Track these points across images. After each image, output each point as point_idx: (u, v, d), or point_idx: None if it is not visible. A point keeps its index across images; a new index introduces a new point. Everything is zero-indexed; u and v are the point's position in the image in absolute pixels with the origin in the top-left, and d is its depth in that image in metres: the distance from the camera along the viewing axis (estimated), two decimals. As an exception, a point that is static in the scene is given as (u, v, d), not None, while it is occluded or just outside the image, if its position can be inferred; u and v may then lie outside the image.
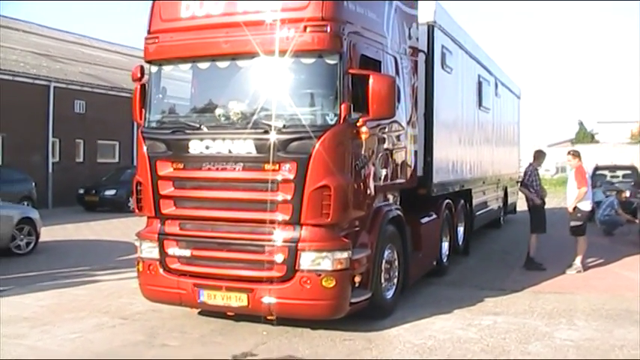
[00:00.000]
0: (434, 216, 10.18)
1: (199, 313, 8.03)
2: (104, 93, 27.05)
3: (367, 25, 7.51)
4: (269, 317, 7.21)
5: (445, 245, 11.10)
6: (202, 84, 7.77)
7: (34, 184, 20.47)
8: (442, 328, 7.51)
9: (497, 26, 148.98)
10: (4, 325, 7.60)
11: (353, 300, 7.03)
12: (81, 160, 26.73)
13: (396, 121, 8.13)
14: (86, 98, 26.31)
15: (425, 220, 9.72)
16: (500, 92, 16.32)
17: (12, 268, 11.42)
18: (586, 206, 11.05)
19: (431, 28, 9.83)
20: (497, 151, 16.05)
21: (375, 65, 7.59)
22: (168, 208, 7.41)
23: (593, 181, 19.45)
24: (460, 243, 12.38)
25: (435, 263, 10.29)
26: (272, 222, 6.90)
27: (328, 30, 6.69)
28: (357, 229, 7.34)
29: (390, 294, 8.06)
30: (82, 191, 23.72)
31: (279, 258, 6.84)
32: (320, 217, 6.73)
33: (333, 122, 6.79)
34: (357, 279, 7.04)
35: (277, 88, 7.14)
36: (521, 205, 16.07)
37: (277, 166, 6.81)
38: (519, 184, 12.03)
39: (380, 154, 7.71)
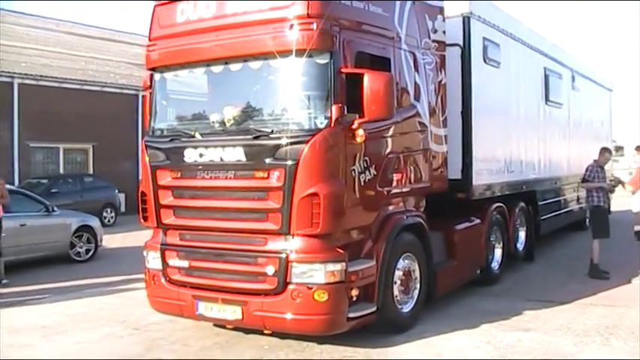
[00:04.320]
0: (476, 221, 9.46)
1: (215, 324, 7.83)
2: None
3: (369, 20, 7.02)
4: (265, 332, 6.93)
5: (497, 252, 10.34)
6: (202, 89, 7.61)
7: (117, 191, 21.21)
8: (456, 346, 6.92)
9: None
10: (17, 334, 7.75)
11: (351, 315, 6.56)
12: (171, 167, 27.35)
13: (411, 121, 7.61)
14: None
15: (461, 226, 9.05)
16: (580, 85, 15.09)
17: (66, 274, 11.77)
18: (653, 209, 9.95)
19: (466, 20, 9.13)
20: (577, 148, 14.84)
21: (382, 63, 7.10)
22: (168, 218, 7.26)
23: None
24: (521, 249, 11.54)
25: (479, 272, 9.57)
26: (262, 232, 6.60)
27: (315, 27, 6.28)
28: (362, 238, 6.89)
29: (407, 307, 7.52)
30: (169, 198, 24.29)
31: (270, 270, 6.50)
32: (310, 227, 6.31)
33: (323, 125, 6.37)
34: (355, 292, 6.55)
35: (267, 91, 6.91)
36: (618, 205, 14.89)
37: (266, 173, 6.49)
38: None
39: (389, 158, 7.18)
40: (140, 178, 8.03)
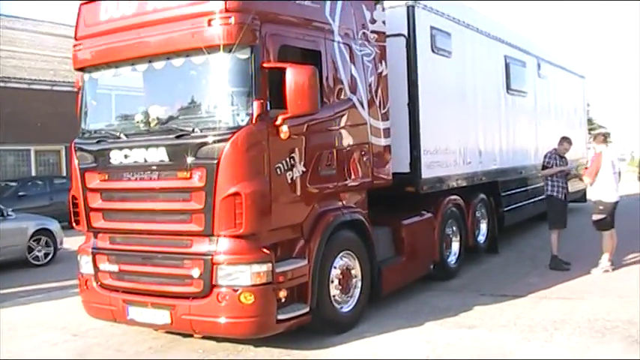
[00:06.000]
0: (427, 215, 9.26)
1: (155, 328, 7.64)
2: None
3: (295, 13, 6.81)
4: (195, 335, 6.77)
5: (455, 246, 10.16)
6: (129, 89, 7.42)
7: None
8: (393, 346, 6.73)
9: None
10: (-49, 344, 7.54)
11: (281, 317, 6.37)
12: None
13: (346, 115, 7.38)
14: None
15: (410, 220, 8.84)
16: (547, 73, 14.84)
17: (21, 279, 11.54)
18: (609, 197, 9.75)
19: (411, 9, 8.89)
20: (546, 136, 14.57)
21: (312, 56, 6.90)
22: (98, 222, 7.07)
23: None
24: (482, 242, 11.36)
25: (432, 267, 9.37)
26: (187, 234, 6.41)
27: (233, 22, 6.08)
28: (293, 237, 6.70)
29: (347, 307, 7.32)
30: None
31: (195, 273, 6.32)
32: (233, 228, 6.12)
33: (244, 122, 6.17)
34: (283, 293, 6.37)
35: (190, 88, 6.73)
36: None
37: (189, 173, 6.29)
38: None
39: (321, 153, 6.96)
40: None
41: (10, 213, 12.71)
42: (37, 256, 13.04)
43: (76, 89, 7.75)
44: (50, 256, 13.20)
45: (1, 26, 26.81)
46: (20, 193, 18.67)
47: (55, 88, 23.29)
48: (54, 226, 13.30)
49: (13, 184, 19.66)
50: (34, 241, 12.94)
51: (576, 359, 6.15)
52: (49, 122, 22.03)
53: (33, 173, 22.65)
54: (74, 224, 7.42)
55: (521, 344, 6.64)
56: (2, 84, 21.94)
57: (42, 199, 18.73)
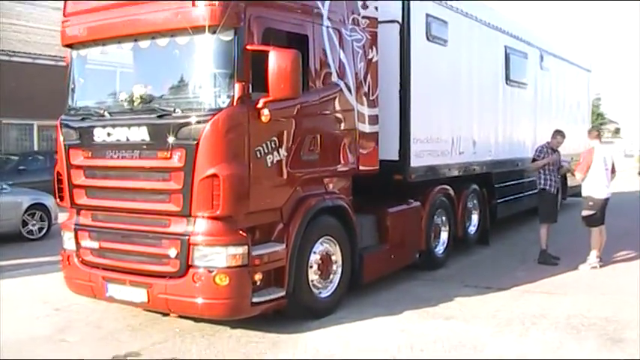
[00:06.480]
0: (414, 204, 9.23)
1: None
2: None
3: (283, -5, 6.79)
4: (172, 315, 6.82)
5: (444, 236, 10.13)
6: (116, 66, 7.43)
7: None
8: (368, 334, 6.75)
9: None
10: None
11: (256, 300, 6.39)
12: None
13: (332, 100, 7.37)
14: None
15: (396, 208, 8.81)
16: (550, 65, 14.72)
17: (14, 253, 11.60)
18: (599, 194, 9.70)
19: (406, -4, 8.84)
20: (546, 130, 14.44)
21: (299, 40, 6.88)
22: (80, 198, 7.11)
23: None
24: (473, 233, 11.33)
25: (418, 256, 9.36)
26: (166, 213, 6.44)
27: (217, 3, 6.07)
28: (272, 220, 6.71)
29: (326, 292, 7.34)
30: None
31: (172, 252, 6.35)
32: (210, 209, 6.13)
33: (225, 104, 6.17)
34: (259, 277, 6.39)
35: (174, 69, 6.72)
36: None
37: (169, 153, 6.30)
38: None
39: (303, 138, 6.93)
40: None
41: (5, 187, 12.79)
42: (32, 231, 13.09)
43: (65, 65, 7.75)
44: (44, 231, 13.25)
45: (12, -1, 26.87)
46: (20, 167, 18.73)
47: (60, 63, 23.25)
48: (49, 201, 13.29)
49: (15, 157, 19.76)
50: (28, 215, 13.01)
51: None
52: (52, 97, 22.02)
53: (35, 148, 22.73)
54: (58, 200, 7.48)
55: (495, 337, 6.63)
56: (7, 57, 22.00)
57: (42, 173, 18.63)
